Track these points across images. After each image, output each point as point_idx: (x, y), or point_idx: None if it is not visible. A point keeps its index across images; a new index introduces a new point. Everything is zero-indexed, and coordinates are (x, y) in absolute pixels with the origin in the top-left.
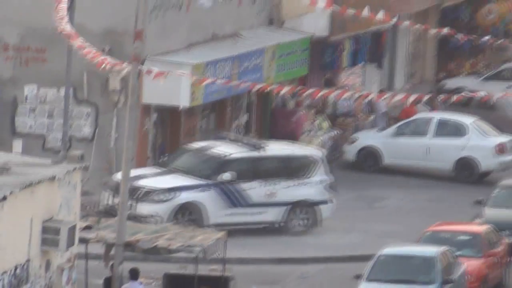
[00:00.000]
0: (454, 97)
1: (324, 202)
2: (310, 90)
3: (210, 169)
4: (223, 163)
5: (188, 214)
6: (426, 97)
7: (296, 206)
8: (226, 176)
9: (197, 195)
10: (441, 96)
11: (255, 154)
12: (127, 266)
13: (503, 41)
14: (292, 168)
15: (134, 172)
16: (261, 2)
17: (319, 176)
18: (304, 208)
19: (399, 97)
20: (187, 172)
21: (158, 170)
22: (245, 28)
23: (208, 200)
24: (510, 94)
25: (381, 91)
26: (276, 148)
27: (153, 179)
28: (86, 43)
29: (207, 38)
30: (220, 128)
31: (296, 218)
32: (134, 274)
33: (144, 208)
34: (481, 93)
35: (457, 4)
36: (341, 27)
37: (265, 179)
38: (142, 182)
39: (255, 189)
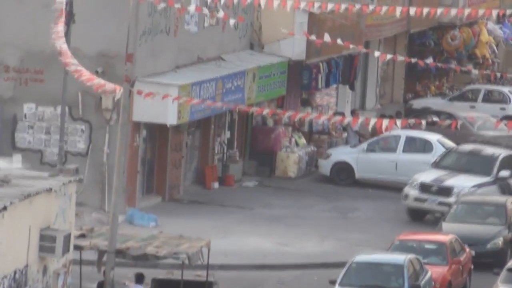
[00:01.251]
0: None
1: None
2: (289, 113)
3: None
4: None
5: None
6: (398, 122)
7: None
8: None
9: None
10: (412, 120)
11: None
12: (118, 271)
13: (467, 67)
14: None
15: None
16: (243, 28)
17: None
18: None
19: (373, 121)
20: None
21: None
22: (228, 51)
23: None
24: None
25: (354, 111)
26: None
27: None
28: (80, 66)
29: (193, 61)
30: (204, 144)
31: None
32: (139, 278)
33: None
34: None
35: (423, 30)
36: (316, 52)
37: None
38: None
39: None
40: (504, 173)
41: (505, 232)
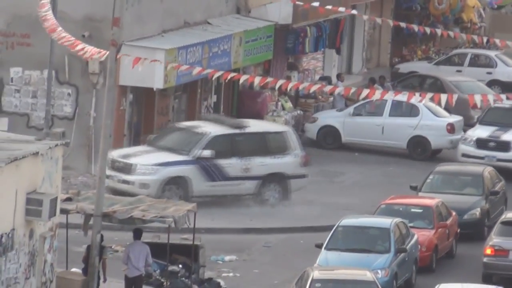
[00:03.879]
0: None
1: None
2: (281, 82)
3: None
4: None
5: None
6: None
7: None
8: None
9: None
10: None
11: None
12: (105, 235)
13: (454, 33)
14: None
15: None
16: None
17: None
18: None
19: (365, 92)
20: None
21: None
22: (215, 16)
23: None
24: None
25: (339, 75)
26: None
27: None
28: (64, 32)
29: (179, 25)
30: (190, 108)
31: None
32: (137, 234)
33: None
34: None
35: None
36: (303, 16)
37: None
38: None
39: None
40: (205, 153)
41: (483, 203)
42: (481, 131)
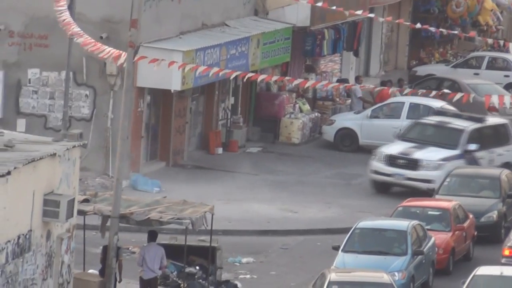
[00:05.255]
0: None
1: None
2: (298, 80)
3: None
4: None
5: None
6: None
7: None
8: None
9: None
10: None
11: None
12: (122, 236)
13: (470, 33)
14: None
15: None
16: None
17: None
18: None
19: (379, 88)
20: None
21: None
22: (232, 18)
23: None
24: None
25: (358, 77)
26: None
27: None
28: (85, 33)
29: (197, 27)
30: (208, 109)
31: None
32: (152, 236)
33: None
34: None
35: None
36: (321, 18)
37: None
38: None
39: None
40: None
41: (500, 206)
42: (395, 148)
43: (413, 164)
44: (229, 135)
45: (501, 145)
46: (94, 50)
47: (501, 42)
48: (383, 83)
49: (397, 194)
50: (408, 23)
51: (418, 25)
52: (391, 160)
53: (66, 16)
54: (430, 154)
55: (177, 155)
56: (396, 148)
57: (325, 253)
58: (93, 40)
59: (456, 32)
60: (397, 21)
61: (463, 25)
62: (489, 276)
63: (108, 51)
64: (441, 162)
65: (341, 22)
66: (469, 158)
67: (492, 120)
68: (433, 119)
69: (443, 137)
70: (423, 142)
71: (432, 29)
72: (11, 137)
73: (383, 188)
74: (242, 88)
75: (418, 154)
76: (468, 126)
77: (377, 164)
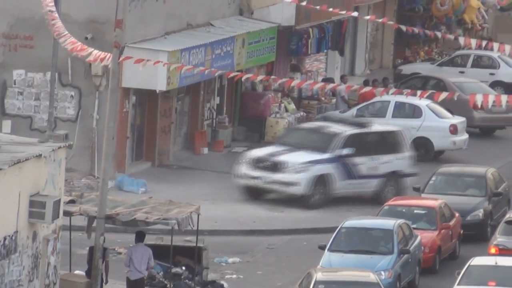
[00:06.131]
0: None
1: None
2: (283, 80)
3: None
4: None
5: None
6: (391, 91)
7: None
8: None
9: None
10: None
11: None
12: (108, 237)
13: (454, 34)
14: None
15: (266, 150)
16: None
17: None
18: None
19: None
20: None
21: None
22: (217, 17)
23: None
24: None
25: (343, 76)
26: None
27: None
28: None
29: (182, 27)
30: (193, 109)
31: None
32: (140, 236)
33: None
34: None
35: None
36: (306, 17)
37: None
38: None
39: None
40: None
41: (486, 204)
42: (263, 151)
43: (277, 166)
44: (215, 135)
45: (388, 153)
46: (82, 54)
47: (484, 43)
48: (366, 82)
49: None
50: (392, 23)
51: (403, 27)
52: (257, 163)
53: (55, 17)
54: (296, 157)
55: (163, 155)
56: (263, 151)
57: (312, 253)
58: (79, 43)
59: (439, 32)
60: (380, 20)
61: (448, 24)
62: (484, 266)
63: (95, 54)
64: (305, 165)
65: (326, 21)
66: (343, 162)
67: (380, 127)
68: (313, 124)
69: (317, 141)
70: (297, 146)
71: (416, 30)
72: None
73: (255, 195)
74: (228, 88)
75: (283, 157)
76: (345, 131)
77: (243, 168)
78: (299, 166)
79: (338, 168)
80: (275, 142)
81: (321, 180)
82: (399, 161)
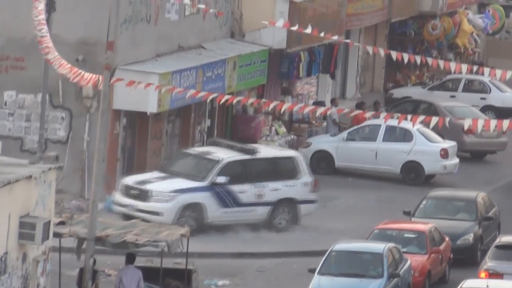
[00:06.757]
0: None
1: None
2: (274, 103)
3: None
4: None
5: (191, 212)
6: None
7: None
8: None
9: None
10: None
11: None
12: (98, 259)
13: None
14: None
15: (140, 177)
16: (223, 17)
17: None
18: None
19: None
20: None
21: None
22: (209, 40)
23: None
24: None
25: (333, 100)
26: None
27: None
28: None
29: (173, 49)
30: (184, 132)
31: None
32: (130, 258)
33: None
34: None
35: (404, 19)
36: (297, 40)
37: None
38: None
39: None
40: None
41: (476, 228)
42: (137, 177)
43: (144, 195)
44: None
45: (279, 179)
46: (74, 78)
47: (474, 68)
48: (358, 106)
49: (374, 217)
50: (382, 51)
51: (393, 53)
52: (127, 191)
53: (47, 38)
54: (165, 186)
55: None
56: (135, 178)
57: (301, 276)
58: (70, 65)
59: (430, 58)
60: (371, 48)
61: (440, 48)
62: None
63: (87, 76)
64: (172, 194)
65: (318, 44)
66: (216, 191)
67: (274, 151)
68: (198, 149)
69: (197, 168)
70: (175, 173)
71: (405, 56)
72: None
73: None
74: (218, 111)
75: (151, 185)
76: (224, 158)
77: (117, 195)
78: (165, 195)
79: (212, 196)
80: (159, 167)
81: (192, 209)
82: (292, 187)
